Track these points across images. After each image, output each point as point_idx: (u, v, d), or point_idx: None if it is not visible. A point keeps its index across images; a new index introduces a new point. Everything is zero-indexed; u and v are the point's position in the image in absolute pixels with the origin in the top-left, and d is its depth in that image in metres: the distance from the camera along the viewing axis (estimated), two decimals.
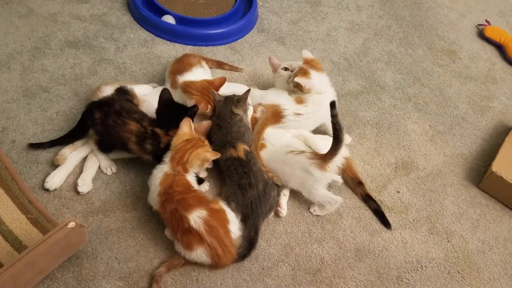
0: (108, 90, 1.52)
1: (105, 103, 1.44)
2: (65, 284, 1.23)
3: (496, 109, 2.07)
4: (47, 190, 1.39)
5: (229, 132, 1.49)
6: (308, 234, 1.47)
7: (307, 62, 1.65)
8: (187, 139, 1.33)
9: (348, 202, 1.58)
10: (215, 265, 1.28)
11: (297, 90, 1.62)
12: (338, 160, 1.54)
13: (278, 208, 1.48)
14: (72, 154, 1.47)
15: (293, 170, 1.46)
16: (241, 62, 1.98)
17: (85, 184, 1.42)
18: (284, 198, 1.51)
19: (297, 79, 1.56)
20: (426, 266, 1.47)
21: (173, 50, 1.96)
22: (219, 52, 2.01)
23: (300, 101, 1.60)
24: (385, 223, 1.54)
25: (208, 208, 1.27)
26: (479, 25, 2.52)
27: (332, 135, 1.40)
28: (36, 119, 1.59)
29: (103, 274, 1.26)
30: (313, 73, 1.61)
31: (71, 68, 1.79)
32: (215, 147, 1.42)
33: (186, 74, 1.59)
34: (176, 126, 1.36)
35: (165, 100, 1.46)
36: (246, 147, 1.48)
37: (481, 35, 2.45)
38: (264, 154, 1.52)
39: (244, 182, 1.42)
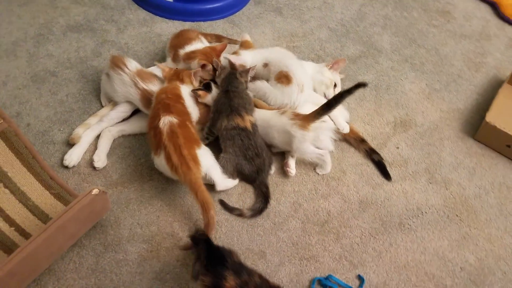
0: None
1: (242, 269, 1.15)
2: (93, 250, 1.33)
3: (490, 65, 2.13)
4: (66, 167, 1.48)
5: (236, 98, 1.53)
6: (314, 191, 1.56)
7: (241, 44, 1.79)
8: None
9: (350, 160, 1.67)
10: (174, 173, 1.36)
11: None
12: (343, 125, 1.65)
13: (288, 168, 1.57)
14: (85, 133, 1.55)
15: (277, 130, 1.53)
16: (240, 35, 2.03)
17: (100, 160, 1.51)
18: (292, 159, 1.59)
19: (228, 57, 1.66)
20: (426, 212, 1.56)
21: (172, 28, 2.02)
22: (217, 26, 2.07)
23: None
24: (386, 175, 1.63)
25: (182, 122, 1.40)
26: None
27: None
28: (48, 102, 1.67)
29: (128, 239, 1.36)
30: (243, 51, 1.72)
31: (76, 51, 1.85)
32: (220, 113, 1.50)
33: (187, 47, 1.65)
34: None
35: None
36: (252, 119, 1.54)
37: None
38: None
39: (251, 154, 1.49)
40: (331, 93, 1.72)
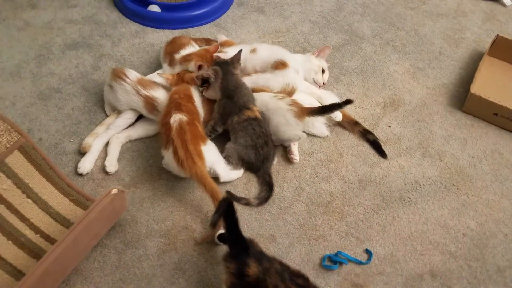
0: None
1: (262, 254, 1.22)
2: (114, 248, 1.41)
3: (469, 39, 2.23)
4: (81, 174, 1.57)
5: (239, 97, 1.61)
6: (315, 175, 1.65)
7: (222, 44, 1.88)
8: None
9: (346, 143, 1.76)
10: (181, 166, 1.45)
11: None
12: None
13: (292, 155, 1.66)
14: (95, 141, 1.64)
15: (273, 113, 1.62)
16: (227, 36, 2.12)
17: (112, 165, 1.59)
18: (295, 146, 1.68)
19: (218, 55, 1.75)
20: (424, 185, 1.65)
21: (163, 36, 2.11)
22: (205, 30, 2.16)
23: None
24: (382, 153, 1.72)
25: (191, 121, 1.51)
26: None
27: None
28: (56, 117, 1.76)
29: (146, 235, 1.45)
30: (227, 49, 1.83)
31: (76, 67, 1.94)
32: (230, 114, 1.60)
33: (182, 52, 1.75)
34: None
35: None
36: (257, 108, 1.62)
37: None
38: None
39: (261, 142, 1.57)
40: (320, 78, 1.82)
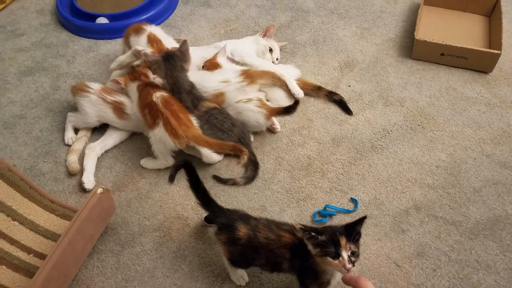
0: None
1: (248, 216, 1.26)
2: (111, 251, 1.42)
3: None
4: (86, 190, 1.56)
5: (193, 93, 1.62)
6: (291, 143, 1.72)
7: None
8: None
9: (313, 108, 1.83)
10: (174, 137, 1.50)
11: None
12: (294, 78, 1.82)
13: (274, 126, 1.73)
14: (87, 162, 1.62)
15: (246, 116, 1.67)
16: (180, 33, 2.17)
17: (89, 181, 1.58)
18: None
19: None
20: (391, 130, 1.75)
21: (116, 45, 2.13)
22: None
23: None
24: (348, 111, 1.81)
25: (170, 96, 1.58)
26: None
27: None
28: (25, 142, 1.74)
29: (139, 232, 1.46)
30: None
31: (35, 91, 1.94)
32: (190, 111, 1.60)
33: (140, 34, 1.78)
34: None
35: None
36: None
37: None
38: None
39: (227, 126, 1.61)
40: (268, 57, 1.90)
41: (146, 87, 1.60)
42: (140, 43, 1.75)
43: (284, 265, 1.17)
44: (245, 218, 1.24)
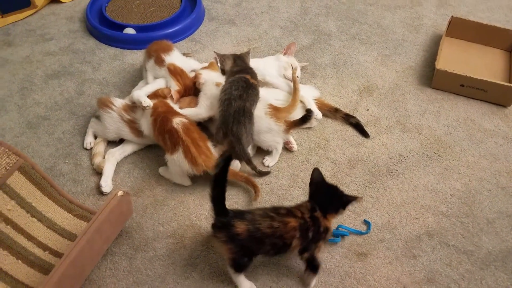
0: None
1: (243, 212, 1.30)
2: (124, 254, 1.44)
3: (427, 25, 2.41)
4: (103, 193, 1.60)
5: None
6: (306, 162, 1.73)
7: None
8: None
9: (330, 129, 1.86)
10: (193, 165, 1.52)
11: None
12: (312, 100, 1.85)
13: (290, 145, 1.76)
14: (107, 165, 1.66)
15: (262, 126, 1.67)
16: (204, 49, 2.23)
17: (107, 185, 1.62)
18: (291, 136, 1.76)
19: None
20: (407, 156, 1.76)
21: (141, 56, 2.18)
22: (181, 46, 2.26)
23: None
24: (364, 134, 1.83)
25: (190, 122, 1.61)
26: None
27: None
28: (47, 142, 1.79)
29: (153, 238, 1.48)
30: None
31: (60, 94, 1.99)
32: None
33: (170, 54, 1.84)
34: (333, 208, 1.34)
35: (317, 182, 1.38)
36: None
37: None
38: None
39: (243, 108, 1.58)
40: (290, 73, 1.90)
41: (161, 114, 1.60)
42: (162, 75, 1.82)
43: (293, 243, 1.27)
44: (239, 213, 1.28)
